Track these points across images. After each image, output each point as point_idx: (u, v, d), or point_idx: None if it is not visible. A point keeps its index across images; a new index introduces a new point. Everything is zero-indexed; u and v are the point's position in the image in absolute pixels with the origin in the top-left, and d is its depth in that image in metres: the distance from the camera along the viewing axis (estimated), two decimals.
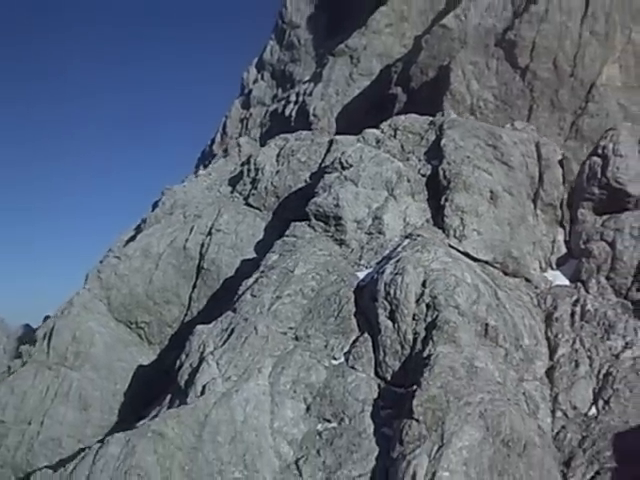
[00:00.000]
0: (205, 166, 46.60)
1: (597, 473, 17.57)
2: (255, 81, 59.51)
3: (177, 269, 26.64)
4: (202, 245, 26.66)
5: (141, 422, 18.45)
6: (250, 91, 57.49)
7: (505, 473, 16.32)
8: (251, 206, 28.08)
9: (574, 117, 32.40)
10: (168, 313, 26.36)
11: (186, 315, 26.23)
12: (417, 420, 17.04)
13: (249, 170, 29.17)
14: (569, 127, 32.24)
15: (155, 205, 30.69)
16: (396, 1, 46.64)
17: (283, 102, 46.63)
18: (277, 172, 28.25)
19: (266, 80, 59.33)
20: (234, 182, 29.99)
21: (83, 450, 18.07)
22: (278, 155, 29.09)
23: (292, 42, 58.96)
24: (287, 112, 45.04)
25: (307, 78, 49.35)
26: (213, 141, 54.69)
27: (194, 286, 26.37)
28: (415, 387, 17.57)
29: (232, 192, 29.22)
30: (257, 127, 49.03)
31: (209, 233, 26.76)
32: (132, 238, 29.28)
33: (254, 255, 25.22)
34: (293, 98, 46.64)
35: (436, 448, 16.44)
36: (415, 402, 17.19)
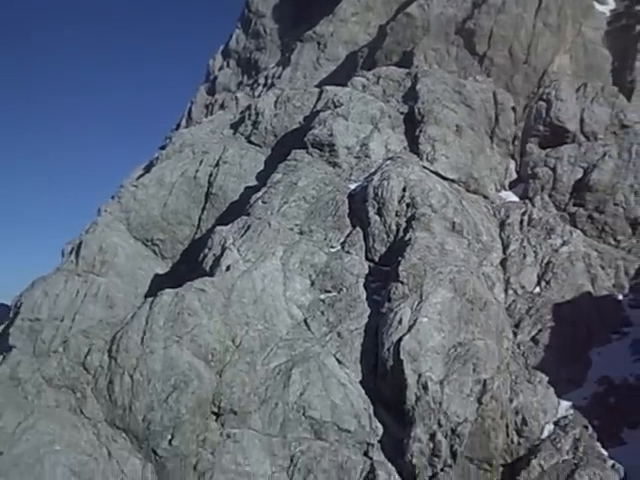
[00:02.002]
0: None
1: (540, 331, 24.52)
2: (221, 68, 64.68)
3: (188, 195, 32.63)
4: (210, 174, 32.69)
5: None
6: (215, 78, 62.58)
7: (470, 322, 22.99)
8: (252, 143, 34.26)
9: (527, 101, 36.02)
10: (180, 232, 32.32)
11: (196, 233, 32.17)
12: (402, 282, 23.66)
13: (250, 115, 35.28)
14: (522, 110, 35.64)
15: (162, 148, 36.67)
16: None
17: (251, 85, 52.13)
18: (275, 115, 34.47)
19: (232, 67, 64.55)
20: (236, 126, 36.02)
21: None
22: (276, 102, 35.26)
23: (258, 31, 64.33)
24: (256, 95, 49.15)
25: (273, 64, 54.77)
26: (179, 126, 58.73)
27: (203, 209, 32.35)
28: (400, 259, 24.25)
29: (234, 133, 35.25)
30: None
31: (216, 165, 32.81)
32: (141, 176, 35.33)
33: (256, 183, 31.40)
34: (262, 81, 51.87)
35: (416, 303, 23.03)
36: (400, 268, 23.82)
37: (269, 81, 50.59)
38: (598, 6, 44.85)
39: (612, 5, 45.60)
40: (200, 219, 32.15)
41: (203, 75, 67.71)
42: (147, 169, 35.24)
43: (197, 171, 32.80)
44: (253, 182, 31.46)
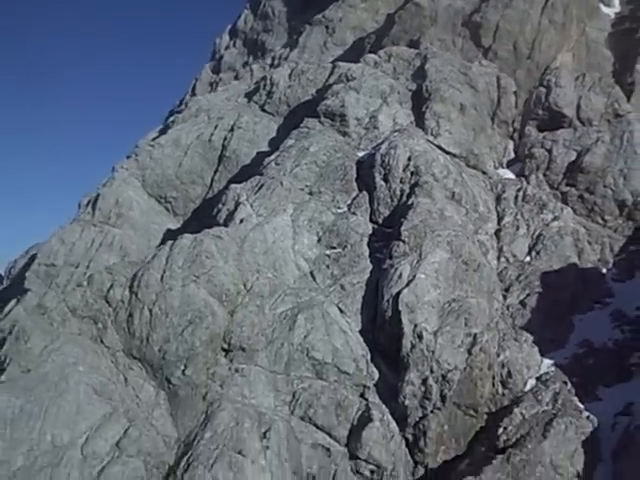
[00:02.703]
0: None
1: (528, 295, 26.85)
2: (227, 47, 66.41)
3: (202, 157, 34.68)
4: (224, 139, 34.73)
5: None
6: (221, 57, 64.35)
7: (464, 282, 25.27)
8: (266, 112, 36.35)
9: (528, 95, 37.39)
10: (193, 191, 34.41)
11: (207, 193, 34.26)
12: (403, 241, 25.92)
13: (265, 85, 37.45)
14: (523, 103, 37.14)
15: (171, 114, 38.81)
16: None
17: (259, 64, 54.14)
18: (289, 86, 36.61)
19: (238, 47, 66.31)
20: (250, 95, 38.11)
21: None
22: (290, 74, 37.52)
23: (266, 13, 66.03)
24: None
25: (280, 46, 56.40)
26: (181, 102, 61.36)
27: (216, 170, 34.41)
28: (402, 221, 26.54)
29: (248, 102, 37.29)
30: None
31: (231, 130, 34.86)
32: (156, 138, 37.49)
33: (268, 148, 33.46)
34: (269, 62, 53.39)
35: (416, 261, 25.30)
36: (402, 228, 26.07)
37: (276, 62, 52.03)
38: (603, 8, 46.74)
39: (617, 8, 47.42)
40: (213, 180, 34.31)
41: (209, 54, 69.48)
42: (162, 132, 37.43)
43: (212, 135, 34.96)
44: (265, 148, 33.63)
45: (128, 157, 35.76)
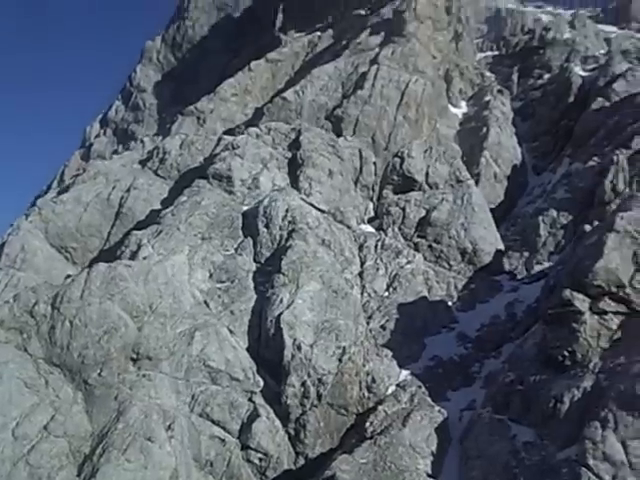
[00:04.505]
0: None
1: (387, 321, 33.43)
2: (97, 136, 72.76)
3: (101, 213, 39.54)
4: (122, 198, 39.76)
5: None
6: (91, 144, 70.47)
7: (334, 307, 31.39)
8: (159, 176, 41.75)
9: (385, 164, 44.40)
10: (91, 243, 39.16)
11: (105, 245, 39.09)
12: (283, 274, 32.04)
13: (157, 153, 42.88)
14: (381, 170, 44.11)
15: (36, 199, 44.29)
16: (242, 76, 60.49)
17: (150, 137, 59.79)
18: (180, 154, 42.24)
19: (108, 136, 72.71)
20: (144, 162, 43.21)
21: None
22: (181, 144, 43.35)
23: (138, 104, 72.63)
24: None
25: (151, 135, 60.68)
26: (49, 187, 65.51)
27: (113, 225, 39.30)
28: (282, 257, 32.90)
29: (143, 168, 42.84)
30: None
31: (127, 190, 39.99)
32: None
33: (160, 207, 39.09)
34: (147, 146, 59.07)
35: (294, 290, 31.41)
36: (282, 263, 32.24)
37: (150, 147, 57.12)
38: (452, 108, 56.13)
39: (464, 109, 57.01)
40: (110, 233, 39.38)
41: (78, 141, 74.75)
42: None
43: (110, 194, 40.19)
44: (158, 206, 39.06)
45: (34, 206, 40.98)
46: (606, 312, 25.03)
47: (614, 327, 24.57)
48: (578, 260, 27.05)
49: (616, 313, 25.08)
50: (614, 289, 25.04)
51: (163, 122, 67.29)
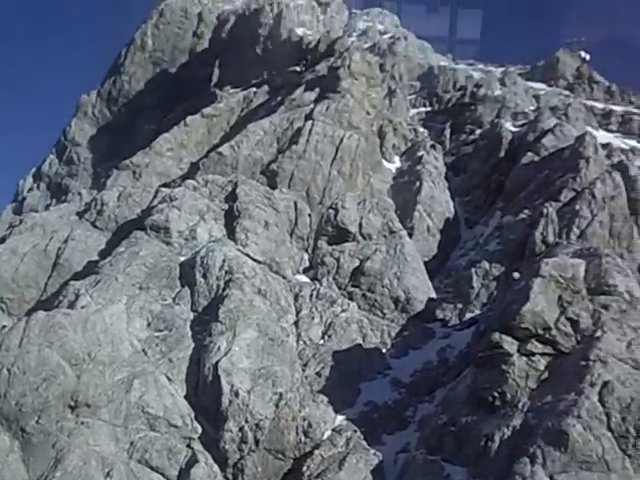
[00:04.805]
0: None
1: (322, 368, 34.72)
2: (30, 190, 73.34)
3: (38, 264, 40.07)
4: (59, 249, 40.39)
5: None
6: (24, 198, 71.05)
7: (270, 354, 32.60)
8: (97, 227, 42.68)
9: (319, 216, 46.27)
10: (28, 294, 39.60)
11: (42, 296, 39.70)
12: (221, 322, 33.21)
13: (95, 205, 43.85)
14: (316, 222, 45.85)
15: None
16: (177, 131, 62.21)
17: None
18: (118, 206, 43.35)
19: (41, 190, 73.49)
20: (82, 214, 43.99)
21: None
22: (119, 196, 44.40)
23: (72, 158, 73.72)
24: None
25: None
26: None
27: (50, 276, 40.03)
28: (220, 306, 34.12)
29: (80, 219, 43.82)
30: None
31: (65, 241, 40.63)
32: None
33: (98, 258, 40.20)
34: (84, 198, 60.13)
35: (231, 337, 32.55)
36: (220, 312, 33.43)
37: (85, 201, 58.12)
38: (386, 163, 57.80)
39: (398, 164, 58.69)
40: (46, 284, 40.08)
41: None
42: None
43: (47, 245, 40.80)
44: (95, 257, 40.01)
45: None
46: (533, 353, 26.90)
47: (541, 368, 26.42)
48: (506, 305, 28.95)
49: (543, 354, 26.94)
50: (541, 331, 26.92)
51: (98, 176, 68.22)
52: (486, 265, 44.27)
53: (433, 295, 41.70)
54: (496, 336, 27.50)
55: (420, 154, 58.49)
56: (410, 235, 46.81)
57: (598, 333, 26.70)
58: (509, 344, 27.10)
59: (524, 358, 26.87)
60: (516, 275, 34.39)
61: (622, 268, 30.08)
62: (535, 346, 27.05)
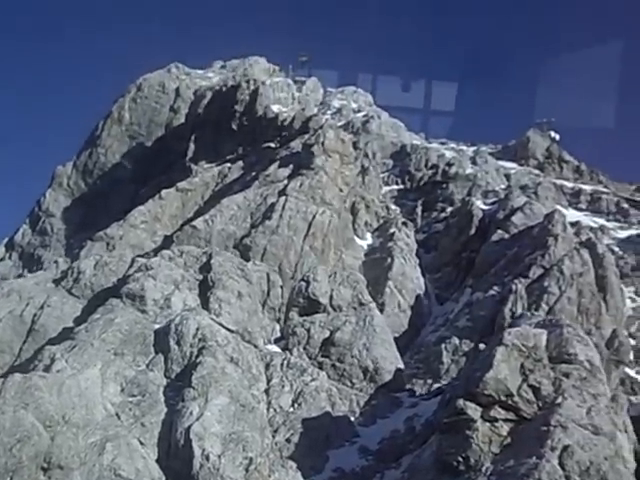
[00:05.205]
0: None
1: (292, 434, 36.30)
2: (2, 259, 74.57)
3: (13, 329, 41.49)
4: (35, 315, 41.82)
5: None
6: None
7: (241, 420, 34.17)
8: (73, 295, 44.41)
9: (291, 288, 47.99)
10: (1, 359, 40.94)
11: (15, 361, 41.05)
12: (193, 388, 34.80)
13: (72, 273, 45.59)
14: (288, 294, 48.05)
15: None
16: (152, 204, 63.79)
17: (63, 259, 62.15)
18: (94, 275, 45.19)
19: (14, 260, 74.82)
20: (58, 281, 45.77)
21: None
22: (95, 264, 46.38)
23: (45, 229, 75.15)
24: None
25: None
26: None
27: (25, 341, 41.41)
28: (193, 372, 35.73)
29: (56, 287, 45.62)
30: None
31: (41, 307, 42.17)
32: None
33: (73, 325, 41.80)
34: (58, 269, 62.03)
35: (203, 403, 34.08)
36: (193, 378, 35.06)
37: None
38: (358, 240, 59.60)
39: (370, 240, 60.58)
40: (21, 349, 41.54)
41: None
42: None
43: (23, 311, 42.31)
44: (71, 324, 41.77)
45: None
46: (497, 419, 28.71)
47: (504, 433, 28.09)
48: (471, 373, 30.87)
49: (506, 420, 28.77)
50: (503, 398, 28.80)
51: (71, 247, 69.85)
52: (456, 341, 46.21)
53: (401, 365, 43.38)
54: (460, 403, 29.20)
55: (392, 231, 60.64)
56: (381, 311, 48.81)
57: (559, 400, 28.57)
58: (473, 410, 28.80)
59: (487, 424, 28.58)
60: (482, 346, 36.26)
61: (582, 338, 32.18)
62: (498, 412, 28.81)
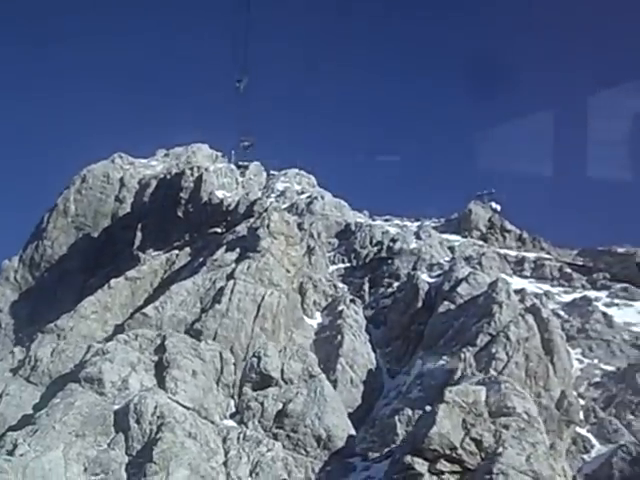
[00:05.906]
0: None
1: None
2: None
3: None
4: None
5: None
6: None
7: None
8: (31, 382, 46.90)
9: (244, 364, 50.62)
10: None
11: None
12: (155, 463, 37.65)
13: (29, 361, 48.17)
14: (240, 370, 50.61)
15: None
16: (101, 294, 65.11)
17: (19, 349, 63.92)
18: (52, 362, 47.82)
19: None
20: (15, 370, 48.21)
21: None
22: (52, 352, 48.96)
23: None
24: None
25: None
26: None
27: None
28: (153, 448, 38.54)
29: (14, 375, 47.95)
30: None
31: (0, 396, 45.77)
32: None
33: (32, 412, 44.21)
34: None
35: (165, 477, 36.72)
36: (154, 452, 37.97)
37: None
38: (307, 319, 61.85)
39: (319, 319, 62.86)
40: None
41: None
42: None
43: None
44: (30, 411, 44.32)
45: None
46: (443, 472, 32.03)
47: None
48: (417, 430, 34.15)
49: (451, 472, 32.06)
50: (448, 451, 32.16)
51: (20, 341, 71.34)
52: (409, 412, 48.25)
53: (352, 432, 46.53)
54: (408, 458, 32.41)
55: (340, 309, 62.95)
56: (334, 387, 51.36)
57: (500, 449, 31.88)
58: (420, 465, 32.00)
59: (435, 477, 31.76)
60: (428, 408, 39.35)
61: (519, 392, 35.79)
62: (444, 465, 32.06)
